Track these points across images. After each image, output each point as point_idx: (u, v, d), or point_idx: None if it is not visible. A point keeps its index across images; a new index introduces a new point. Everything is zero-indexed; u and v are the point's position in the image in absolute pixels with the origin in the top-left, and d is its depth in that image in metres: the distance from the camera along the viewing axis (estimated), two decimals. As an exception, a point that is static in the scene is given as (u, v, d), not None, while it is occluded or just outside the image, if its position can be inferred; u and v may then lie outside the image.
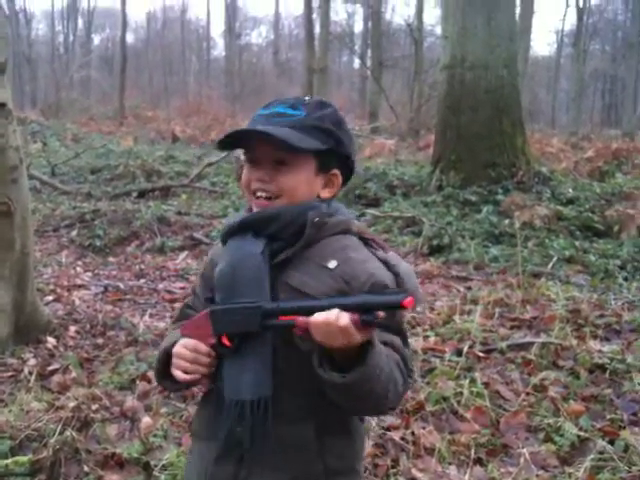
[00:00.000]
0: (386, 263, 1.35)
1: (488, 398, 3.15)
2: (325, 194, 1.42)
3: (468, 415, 3.05)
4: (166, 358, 1.41)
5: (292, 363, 1.32)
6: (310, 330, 1.19)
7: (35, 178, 10.04)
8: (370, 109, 23.86)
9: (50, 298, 5.08)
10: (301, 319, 1.20)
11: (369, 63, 25.87)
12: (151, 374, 3.66)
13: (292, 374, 1.32)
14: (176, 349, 1.35)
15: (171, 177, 11.36)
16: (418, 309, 4.32)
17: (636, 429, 2.95)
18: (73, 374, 3.70)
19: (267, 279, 1.31)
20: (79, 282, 5.73)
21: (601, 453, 2.73)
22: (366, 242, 1.41)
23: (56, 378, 3.67)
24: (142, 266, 6.37)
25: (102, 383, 3.57)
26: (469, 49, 8.87)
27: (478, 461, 2.76)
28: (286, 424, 1.33)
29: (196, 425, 1.53)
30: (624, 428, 2.93)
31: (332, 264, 1.32)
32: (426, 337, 3.95)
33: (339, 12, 42.62)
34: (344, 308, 1.17)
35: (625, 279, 5.73)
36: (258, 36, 58.18)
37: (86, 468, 2.78)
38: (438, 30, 29.60)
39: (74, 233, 7.65)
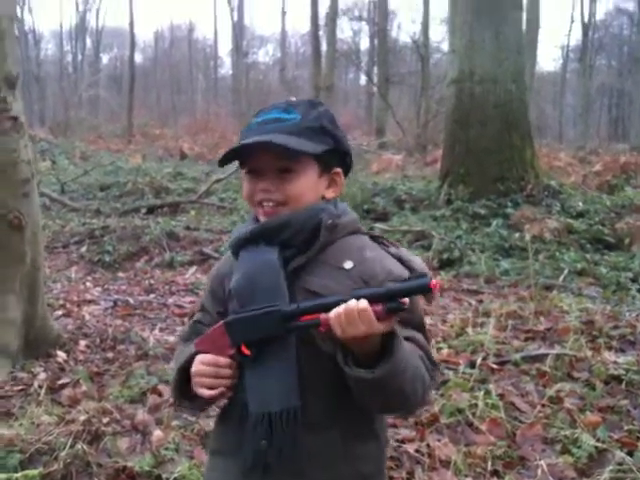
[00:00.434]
0: (400, 259, 1.34)
1: (503, 410, 3.11)
2: (330, 194, 1.41)
3: (483, 427, 3.00)
4: (182, 378, 1.39)
5: (315, 367, 1.29)
6: (331, 325, 1.17)
7: (45, 195, 10.08)
8: (377, 125, 23.94)
9: (60, 313, 5.06)
10: (325, 315, 1.19)
11: (375, 80, 25.98)
12: (161, 387, 3.64)
13: (315, 378, 1.30)
14: (195, 368, 1.33)
15: (179, 194, 11.39)
16: (430, 321, 4.29)
17: (655, 440, 2.90)
18: (83, 388, 3.68)
19: (285, 286, 1.29)
20: (89, 297, 5.73)
21: (620, 464, 2.68)
22: (377, 240, 1.41)
23: (66, 392, 3.65)
24: (151, 281, 6.37)
25: (112, 397, 3.54)
26: (477, 63, 8.89)
27: (495, 473, 2.71)
28: (313, 431, 1.30)
29: (217, 441, 1.48)
30: (643, 439, 2.88)
31: (348, 265, 1.31)
32: (439, 349, 3.91)
33: (345, 30, 42.97)
34: (368, 299, 1.15)
35: (638, 291, 5.69)
36: (265, 54, 58.62)
37: (97, 482, 2.75)
38: (444, 46, 29.79)
39: (83, 249, 7.67)
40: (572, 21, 38.04)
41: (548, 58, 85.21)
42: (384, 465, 1.44)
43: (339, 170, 1.42)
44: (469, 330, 4.14)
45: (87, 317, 4.98)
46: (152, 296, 5.83)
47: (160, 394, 3.57)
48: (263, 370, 1.27)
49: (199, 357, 1.33)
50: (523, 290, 5.52)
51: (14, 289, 3.95)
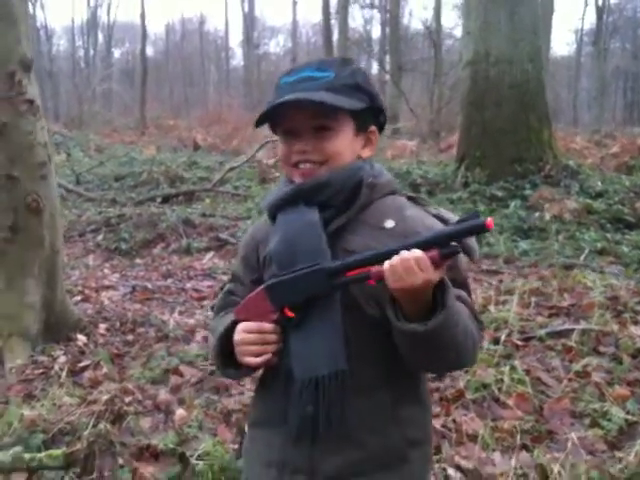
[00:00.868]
0: (440, 217, 1.30)
1: (530, 385, 3.06)
2: (366, 153, 1.37)
3: (510, 402, 2.96)
4: (223, 347, 1.35)
5: (360, 330, 1.25)
6: (385, 276, 1.12)
7: (61, 186, 10.09)
8: (390, 113, 23.79)
9: (78, 298, 5.06)
10: (377, 268, 1.14)
11: (388, 67, 25.82)
12: (183, 368, 3.63)
13: (362, 342, 1.26)
14: (238, 337, 1.29)
15: (194, 182, 11.37)
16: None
17: (686, 413, 2.84)
18: (104, 370, 3.68)
19: (327, 247, 1.24)
20: (107, 283, 5.73)
21: (652, 437, 2.63)
22: (414, 201, 1.37)
23: (87, 374, 3.65)
24: (169, 267, 6.36)
25: (134, 378, 3.53)
26: (493, 44, 8.77)
27: (523, 447, 2.66)
28: (361, 396, 1.26)
29: (258, 412, 1.43)
30: (673, 411, 2.82)
31: (390, 224, 1.28)
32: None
33: (356, 18, 42.68)
34: (419, 247, 1.11)
35: (661, 269, 5.60)
36: (276, 45, 58.50)
37: (121, 460, 2.73)
38: (456, 32, 29.56)
39: (100, 237, 7.68)
40: (586, 4, 37.72)
41: (562, 42, 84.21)
42: (430, 431, 1.40)
43: (374, 128, 1.38)
44: (491, 308, 4.08)
45: (106, 302, 4.97)
46: (170, 281, 5.82)
47: (181, 374, 3.56)
48: (308, 333, 1.23)
49: (241, 325, 1.29)
50: (544, 270, 5.45)
51: (33, 273, 3.95)
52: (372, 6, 33.35)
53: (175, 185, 11.16)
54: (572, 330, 3.66)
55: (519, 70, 8.72)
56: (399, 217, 1.29)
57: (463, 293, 1.28)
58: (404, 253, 1.11)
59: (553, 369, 3.31)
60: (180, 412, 3.08)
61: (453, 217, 1.30)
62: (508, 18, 8.72)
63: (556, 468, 2.42)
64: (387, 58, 28.74)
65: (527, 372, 3.20)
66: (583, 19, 46.23)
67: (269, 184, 10.49)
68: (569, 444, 2.60)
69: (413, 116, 20.95)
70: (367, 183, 1.29)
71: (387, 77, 25.70)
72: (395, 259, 1.11)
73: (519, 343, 3.59)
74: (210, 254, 6.83)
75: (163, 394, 3.31)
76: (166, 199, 9.88)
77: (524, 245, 6.56)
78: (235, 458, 2.62)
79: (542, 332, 3.67)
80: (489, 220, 1.07)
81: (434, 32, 23.64)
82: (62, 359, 3.85)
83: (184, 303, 5.09)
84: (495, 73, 8.78)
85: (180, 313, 4.76)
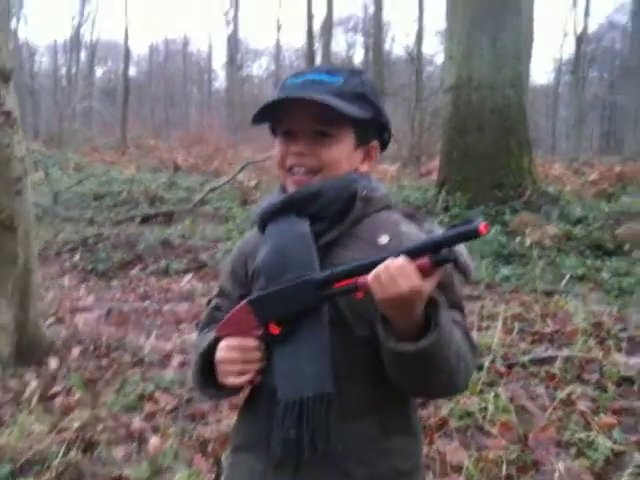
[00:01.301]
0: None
1: (514, 413, 3.00)
2: (364, 167, 1.32)
3: (494, 431, 2.88)
4: (204, 366, 1.28)
5: (349, 351, 1.19)
6: (370, 286, 1.06)
7: (37, 205, 9.95)
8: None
9: (52, 320, 4.93)
10: (363, 278, 1.08)
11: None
12: (158, 394, 3.52)
13: (350, 363, 1.19)
14: (220, 355, 1.22)
15: (174, 203, 11.26)
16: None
17: (673, 443, 2.79)
18: (77, 396, 3.56)
19: (318, 260, 1.18)
20: (82, 305, 5.60)
21: (639, 467, 2.57)
22: (410, 216, 1.31)
23: (59, 400, 3.53)
24: (146, 288, 6.24)
25: (107, 405, 3.42)
26: (475, 69, 8.83)
27: (508, 478, 2.59)
28: (347, 421, 1.19)
29: (240, 435, 1.35)
30: (660, 442, 2.77)
31: (384, 239, 1.22)
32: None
33: (339, 42, 43.06)
34: (409, 254, 1.04)
35: (642, 296, 5.59)
36: (259, 68, 58.62)
37: (91, 491, 2.63)
38: (437, 59, 29.91)
39: (77, 257, 7.54)
40: (565, 34, 38.36)
41: (541, 71, 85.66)
42: (421, 462, 1.33)
43: (376, 143, 1.34)
44: (474, 333, 4.02)
45: (80, 325, 4.85)
46: (147, 303, 5.70)
47: (156, 401, 3.45)
48: (294, 351, 1.16)
49: (223, 343, 1.22)
50: (525, 295, 5.42)
51: (5, 293, 3.83)
52: (355, 31, 33.71)
53: (155, 205, 11.04)
54: (555, 357, 3.61)
55: (500, 95, 8.77)
56: (394, 233, 1.23)
57: (457, 315, 1.22)
58: (388, 262, 1.05)
59: (537, 397, 3.25)
60: (154, 441, 2.98)
61: None
62: (491, 43, 8.79)
63: (543, 501, 2.35)
64: (369, 83, 28.91)
65: (511, 400, 3.14)
66: (562, 48, 46.83)
67: (250, 205, 10.42)
68: (556, 475, 2.54)
69: (394, 141, 21.06)
70: (362, 196, 1.24)
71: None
72: (379, 267, 1.06)
73: (503, 370, 3.53)
74: (189, 276, 6.72)
75: (137, 422, 3.20)
76: (145, 219, 9.76)
77: (505, 271, 6.54)
78: (211, 489, 2.52)
79: (525, 359, 3.62)
80: (482, 224, 1.00)
81: (416, 58, 23.92)
82: (33, 384, 3.72)
83: (161, 326, 4.97)
84: (477, 98, 8.82)
85: (156, 337, 4.64)
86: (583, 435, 2.82)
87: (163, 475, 2.74)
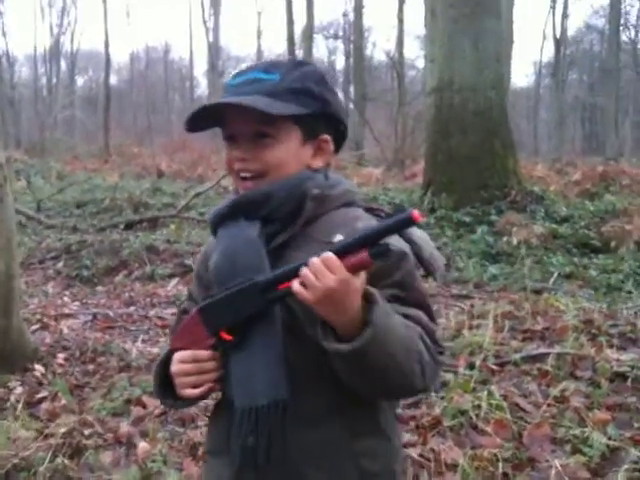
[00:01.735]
0: None
1: (508, 411, 2.97)
2: (317, 163, 1.26)
3: (489, 429, 2.85)
4: (163, 374, 1.25)
5: (305, 355, 1.15)
6: (304, 283, 1.04)
7: (20, 213, 9.82)
8: (355, 141, 23.94)
9: (36, 327, 4.85)
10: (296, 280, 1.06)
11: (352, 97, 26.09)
12: (146, 399, 3.46)
13: (307, 368, 1.16)
14: (175, 368, 1.19)
15: (159, 209, 11.16)
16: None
17: (668, 437, 2.78)
18: (63, 401, 3.49)
19: (268, 264, 1.15)
20: (67, 311, 5.52)
21: (635, 463, 2.55)
22: (373, 212, 1.27)
23: (45, 406, 3.46)
24: (132, 294, 6.16)
25: (94, 410, 3.35)
26: (457, 71, 8.87)
27: (504, 476, 2.56)
28: (308, 427, 1.16)
29: (209, 440, 1.35)
30: (655, 436, 2.75)
31: (338, 239, 1.15)
32: (435, 351, 3.76)
33: (320, 48, 43.12)
34: (346, 250, 1.02)
35: (629, 292, 5.62)
36: (241, 74, 58.58)
37: (79, 498, 2.56)
38: (418, 63, 30.06)
39: (60, 264, 7.44)
40: (544, 37, 38.72)
41: (521, 74, 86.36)
42: (396, 463, 1.28)
43: (327, 137, 1.27)
44: (465, 332, 4.00)
45: (65, 331, 4.77)
46: (133, 308, 5.62)
47: (144, 406, 3.39)
48: (248, 357, 1.14)
49: (177, 355, 1.19)
50: (514, 294, 5.41)
51: (-13, 299, 3.75)
52: (336, 37, 33.79)
53: (139, 211, 10.93)
54: (547, 354, 3.59)
55: (482, 97, 8.81)
56: (349, 230, 1.16)
57: (419, 313, 1.17)
58: (313, 258, 1.02)
59: (530, 394, 3.22)
60: (143, 445, 2.92)
61: (414, 231, 1.21)
62: (472, 46, 8.83)
63: (540, 497, 2.32)
64: (351, 88, 29.03)
65: (504, 397, 3.11)
66: (542, 51, 47.34)
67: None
68: (552, 472, 2.51)
69: (378, 144, 21.09)
70: (312, 195, 1.19)
71: (351, 106, 25.92)
72: (307, 266, 1.03)
73: (495, 368, 3.51)
74: (174, 281, 6.65)
75: (125, 426, 3.14)
76: (129, 225, 9.65)
77: (493, 270, 6.55)
78: (203, 494, 2.47)
79: (517, 356, 3.60)
80: (415, 212, 0.98)
81: (397, 63, 24.02)
82: (18, 390, 3.66)
83: (147, 331, 4.91)
84: (459, 100, 8.85)
85: (143, 341, 4.58)
86: (578, 432, 2.79)
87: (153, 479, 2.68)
